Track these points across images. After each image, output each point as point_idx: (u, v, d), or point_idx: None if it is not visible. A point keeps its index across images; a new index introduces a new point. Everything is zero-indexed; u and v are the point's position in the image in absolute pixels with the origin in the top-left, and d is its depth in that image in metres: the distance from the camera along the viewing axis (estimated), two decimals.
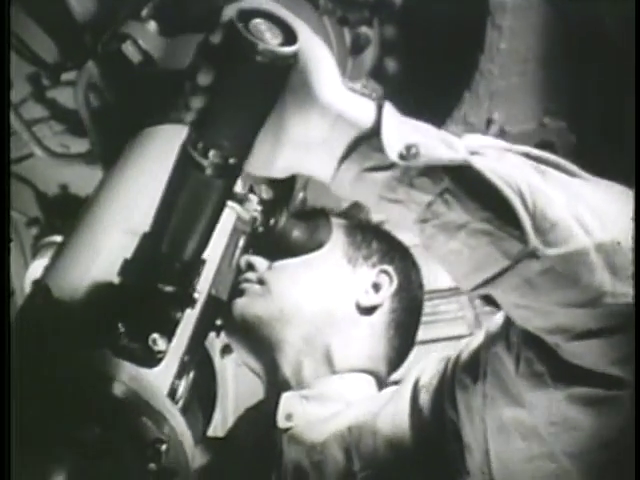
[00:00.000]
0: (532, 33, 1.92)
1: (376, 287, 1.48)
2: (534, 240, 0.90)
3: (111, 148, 1.52)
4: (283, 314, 1.40)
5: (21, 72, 1.93)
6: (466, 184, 0.92)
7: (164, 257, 1.06)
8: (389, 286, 1.48)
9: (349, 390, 1.39)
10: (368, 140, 0.94)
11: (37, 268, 1.37)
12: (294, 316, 1.41)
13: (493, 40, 1.92)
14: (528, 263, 0.90)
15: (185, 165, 0.98)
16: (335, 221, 1.54)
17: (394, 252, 1.54)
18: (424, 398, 1.24)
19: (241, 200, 1.38)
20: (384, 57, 1.93)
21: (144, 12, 1.50)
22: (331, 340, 1.42)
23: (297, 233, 1.50)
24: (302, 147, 0.96)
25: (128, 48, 1.45)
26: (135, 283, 1.07)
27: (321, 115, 0.94)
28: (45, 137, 2.08)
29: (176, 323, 1.09)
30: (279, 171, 0.99)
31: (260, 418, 1.41)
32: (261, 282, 1.43)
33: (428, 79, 2.08)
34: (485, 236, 0.92)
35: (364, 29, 1.75)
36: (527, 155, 0.99)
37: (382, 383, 1.45)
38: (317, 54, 0.96)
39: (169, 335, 1.07)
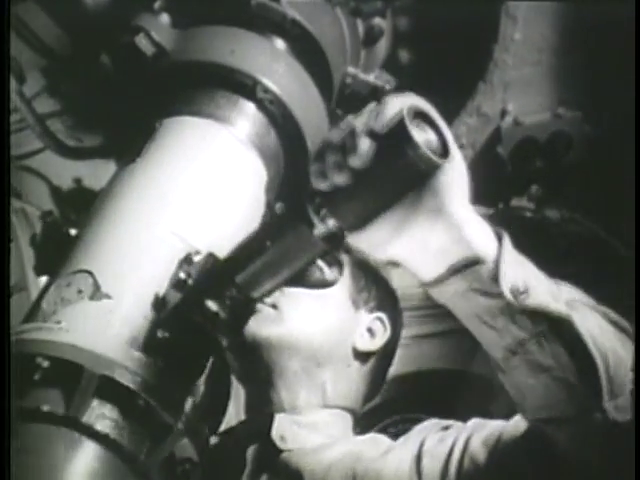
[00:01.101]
0: (546, 23, 1.91)
1: (371, 332, 1.57)
2: (607, 402, 1.01)
3: (125, 141, 1.52)
4: (292, 343, 1.47)
5: (35, 66, 1.94)
6: (562, 335, 1.03)
7: (235, 286, 1.08)
8: (383, 334, 1.57)
9: (334, 425, 1.51)
10: (484, 265, 1.02)
11: None
12: (302, 347, 1.49)
13: (507, 30, 1.91)
14: (592, 416, 1.02)
15: (295, 216, 1.02)
16: (345, 259, 1.59)
17: (389, 300, 1.62)
18: (426, 462, 1.30)
19: None
20: (397, 48, 1.93)
21: (157, 4, 1.50)
22: (327, 376, 1.52)
23: (316, 269, 1.55)
24: (418, 246, 1.02)
25: (141, 41, 1.45)
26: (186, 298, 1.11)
27: (447, 228, 1.01)
28: (58, 131, 2.08)
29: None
30: (384, 255, 1.05)
31: (248, 435, 1.47)
32: (274, 306, 1.48)
33: (441, 70, 2.07)
34: (564, 385, 1.03)
35: (377, 20, 1.74)
36: (606, 316, 1.08)
37: (356, 419, 1.57)
38: (459, 169, 1.02)
39: None
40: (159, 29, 1.47)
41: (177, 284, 1.12)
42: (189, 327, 1.09)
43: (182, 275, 1.12)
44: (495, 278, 1.01)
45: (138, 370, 1.03)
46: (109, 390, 1.00)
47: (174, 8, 1.50)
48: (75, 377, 0.99)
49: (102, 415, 0.99)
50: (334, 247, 1.04)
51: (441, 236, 1.02)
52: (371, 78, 1.71)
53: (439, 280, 1.05)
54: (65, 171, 2.10)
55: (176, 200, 1.25)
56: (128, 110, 1.56)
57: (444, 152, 0.97)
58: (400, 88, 1.72)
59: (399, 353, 1.67)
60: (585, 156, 1.93)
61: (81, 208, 1.28)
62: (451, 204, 1.00)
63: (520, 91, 1.96)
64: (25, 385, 0.98)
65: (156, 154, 1.31)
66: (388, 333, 1.58)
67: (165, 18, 1.49)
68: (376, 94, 1.71)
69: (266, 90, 1.42)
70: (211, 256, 1.15)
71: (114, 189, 1.29)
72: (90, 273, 1.12)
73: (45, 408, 0.97)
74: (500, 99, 1.97)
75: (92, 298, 1.09)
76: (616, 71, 1.82)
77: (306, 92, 1.50)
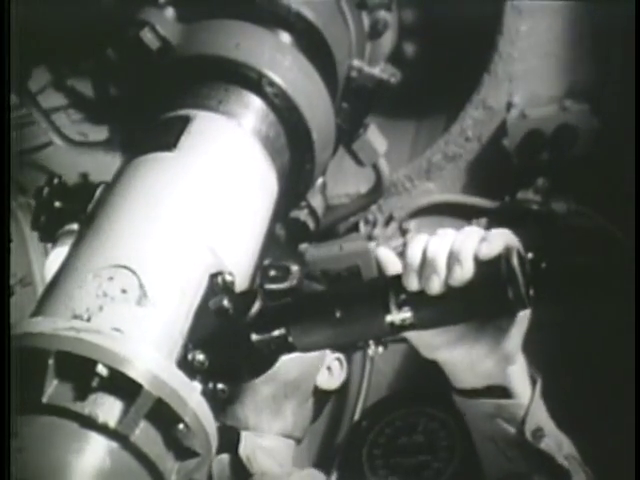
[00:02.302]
0: (552, 14, 1.90)
1: (330, 371, 1.70)
2: None
3: (130, 136, 1.52)
4: (273, 369, 1.51)
5: (40, 60, 1.94)
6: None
7: (287, 333, 1.10)
8: (340, 374, 1.72)
9: (285, 453, 1.65)
10: (516, 402, 1.19)
11: (57, 256, 1.35)
12: (280, 375, 1.59)
13: (512, 22, 1.90)
14: None
15: (372, 297, 1.07)
16: None
17: None
18: None
19: None
20: (403, 41, 1.92)
21: None
22: (290, 407, 1.65)
23: None
24: (466, 363, 1.17)
25: (146, 35, 1.44)
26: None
27: (498, 360, 1.16)
28: (64, 125, 2.09)
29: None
30: (430, 355, 1.20)
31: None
32: None
33: (447, 63, 2.06)
34: None
35: (383, 13, 1.73)
36: (588, 475, 1.27)
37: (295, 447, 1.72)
38: (526, 317, 1.17)
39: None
40: (164, 23, 1.46)
41: (219, 311, 1.08)
42: (222, 352, 1.08)
43: (225, 304, 1.08)
44: (523, 419, 1.17)
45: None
46: (159, 412, 0.98)
47: (179, 2, 1.50)
48: (131, 393, 0.96)
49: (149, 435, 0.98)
50: (395, 335, 1.09)
51: (490, 363, 1.15)
52: (376, 71, 1.70)
53: (471, 393, 1.19)
54: (70, 166, 2.10)
55: (208, 206, 1.22)
56: (133, 104, 1.56)
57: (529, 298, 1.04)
58: (405, 81, 1.72)
59: (404, 347, 1.72)
60: (592, 149, 1.92)
61: (87, 203, 1.25)
62: (511, 343, 1.14)
63: (526, 83, 1.95)
64: (79, 390, 0.95)
65: (192, 149, 1.27)
66: (344, 374, 1.71)
67: (170, 12, 1.49)
68: (381, 87, 1.71)
69: (272, 83, 1.42)
70: (258, 290, 1.14)
71: (148, 176, 1.23)
72: (134, 273, 1.06)
73: (101, 418, 0.95)
74: (506, 92, 1.96)
75: (139, 303, 1.04)
76: (624, 63, 1.81)
77: (312, 85, 1.50)
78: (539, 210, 1.96)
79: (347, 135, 1.73)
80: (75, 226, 1.56)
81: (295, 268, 1.14)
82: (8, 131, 1.55)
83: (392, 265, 1.17)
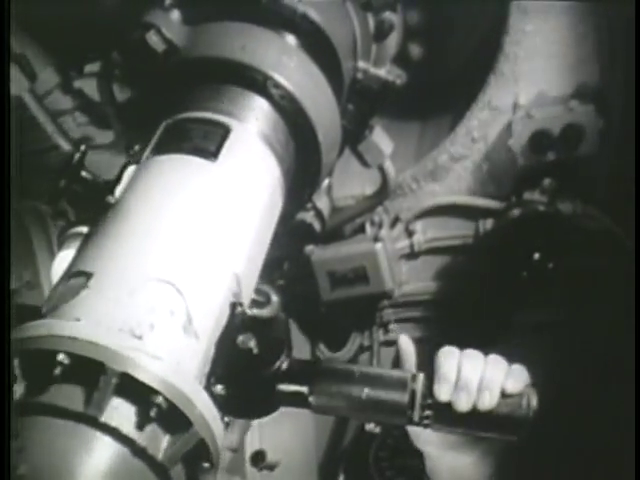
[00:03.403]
0: (558, 14, 1.89)
1: None
2: None
3: (136, 139, 1.52)
4: None
5: (46, 63, 1.94)
6: None
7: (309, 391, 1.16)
8: None
9: None
10: None
11: (64, 259, 1.34)
12: None
13: (518, 22, 1.89)
14: None
15: (401, 391, 1.16)
16: None
17: None
18: None
19: None
20: (408, 42, 1.92)
21: (167, 1, 1.50)
22: None
23: None
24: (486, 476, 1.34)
25: (152, 37, 1.44)
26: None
27: None
28: (70, 129, 2.09)
29: None
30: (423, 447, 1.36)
31: None
32: None
33: (452, 63, 2.06)
34: None
35: (388, 14, 1.73)
36: None
37: None
38: None
39: None
40: (170, 25, 1.46)
41: (246, 351, 1.09)
42: (242, 390, 1.10)
43: (251, 345, 1.09)
44: None
45: None
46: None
47: (185, 4, 1.49)
48: (181, 428, 0.98)
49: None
50: (407, 425, 1.20)
51: (471, 473, 1.31)
52: (382, 72, 1.70)
53: None
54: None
55: (240, 229, 1.22)
56: (139, 107, 1.56)
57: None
58: (410, 82, 1.72)
59: None
60: (598, 149, 1.91)
61: (93, 206, 1.24)
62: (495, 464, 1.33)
63: (532, 84, 1.94)
64: (139, 416, 0.96)
65: (231, 165, 1.27)
66: None
67: (176, 14, 1.48)
68: (387, 89, 1.70)
69: (277, 85, 1.42)
70: (289, 354, 1.17)
71: (191, 185, 1.21)
72: (180, 294, 1.05)
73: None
74: (511, 92, 1.96)
75: (185, 330, 1.04)
76: (630, 63, 1.80)
77: (317, 87, 1.49)
78: (545, 211, 1.95)
79: (353, 136, 1.73)
80: (81, 229, 1.56)
81: (275, 299, 1.15)
82: (8, 131, 1.55)
83: (410, 357, 1.31)
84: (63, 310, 1.02)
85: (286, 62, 1.45)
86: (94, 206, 1.24)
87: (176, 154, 1.25)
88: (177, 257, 1.10)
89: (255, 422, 1.93)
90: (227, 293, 1.12)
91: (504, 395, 1.17)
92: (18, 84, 1.99)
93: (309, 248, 2.07)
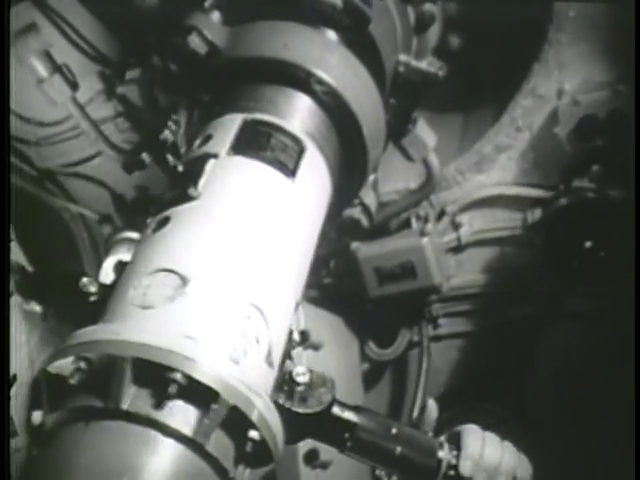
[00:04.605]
0: None
1: None
2: None
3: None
4: None
5: (87, 71, 1.95)
6: None
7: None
8: None
9: None
10: None
11: (110, 264, 1.34)
12: None
13: (562, 8, 1.86)
14: None
15: (431, 457, 1.34)
16: None
17: None
18: None
19: None
20: (448, 33, 1.90)
21: (207, 3, 1.50)
22: None
23: None
24: None
25: (194, 40, 1.45)
26: None
27: None
28: (112, 135, 2.10)
29: None
30: None
31: None
32: None
33: (494, 53, 2.03)
34: None
35: (428, 6, 1.71)
36: None
37: None
38: None
39: None
40: (211, 27, 1.46)
41: (282, 407, 1.13)
42: None
43: (288, 405, 1.14)
44: None
45: None
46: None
47: (225, 5, 1.49)
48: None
49: None
50: None
51: None
52: (424, 65, 1.68)
53: None
54: (121, 175, 2.11)
55: (302, 252, 1.27)
56: (182, 109, 1.56)
57: None
58: (451, 73, 1.70)
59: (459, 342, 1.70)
60: None
61: (142, 212, 1.25)
62: None
63: (577, 69, 1.91)
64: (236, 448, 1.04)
65: (304, 184, 1.32)
66: None
67: (216, 16, 1.49)
68: (429, 81, 1.69)
69: (320, 82, 1.41)
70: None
71: (274, 205, 1.25)
72: (267, 322, 1.09)
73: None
74: (556, 79, 1.93)
75: (268, 362, 1.09)
76: None
77: (360, 82, 1.48)
78: (595, 198, 1.92)
79: (396, 131, 1.71)
80: (130, 234, 1.56)
81: (328, 397, 1.19)
82: (8, 132, 1.57)
83: (433, 413, 1.51)
84: (164, 313, 1.04)
85: (328, 58, 1.44)
86: (144, 212, 1.25)
87: (258, 161, 1.27)
88: (266, 284, 1.13)
89: None
90: (290, 322, 1.17)
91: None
92: (60, 93, 2.01)
93: (355, 245, 2.06)
